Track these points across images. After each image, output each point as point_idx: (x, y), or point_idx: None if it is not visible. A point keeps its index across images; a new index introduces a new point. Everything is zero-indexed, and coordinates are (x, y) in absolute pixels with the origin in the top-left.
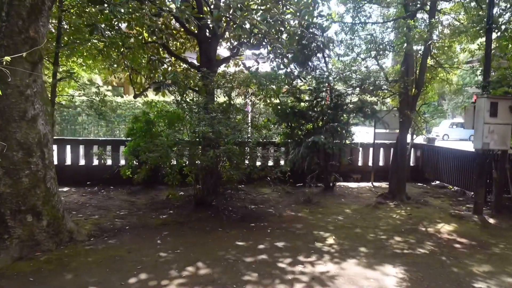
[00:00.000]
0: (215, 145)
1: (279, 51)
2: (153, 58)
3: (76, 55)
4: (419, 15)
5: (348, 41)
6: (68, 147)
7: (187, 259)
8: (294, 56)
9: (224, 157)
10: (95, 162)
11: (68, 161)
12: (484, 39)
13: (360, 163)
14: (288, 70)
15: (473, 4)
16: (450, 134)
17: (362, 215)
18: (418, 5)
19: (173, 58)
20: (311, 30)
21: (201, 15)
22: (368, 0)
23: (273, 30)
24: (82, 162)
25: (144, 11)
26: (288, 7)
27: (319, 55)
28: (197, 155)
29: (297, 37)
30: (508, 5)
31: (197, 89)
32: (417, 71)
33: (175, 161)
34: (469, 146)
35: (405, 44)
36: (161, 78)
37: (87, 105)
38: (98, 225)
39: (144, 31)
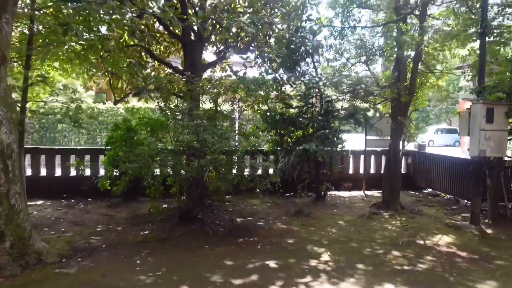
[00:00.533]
0: (200, 155)
1: (266, 54)
2: (133, 62)
3: (52, 58)
4: (408, 21)
5: (337, 46)
6: (43, 157)
7: (169, 282)
8: (282, 61)
9: (210, 167)
10: (73, 172)
11: (43, 172)
12: (475, 44)
13: (351, 171)
14: (277, 75)
15: (462, 9)
16: (435, 140)
17: (357, 227)
18: (409, 9)
19: (156, 62)
20: (300, 34)
21: (185, 16)
22: (357, 5)
23: (260, 34)
24: (58, 172)
25: (123, 10)
26: (276, 10)
27: (308, 60)
28: (181, 165)
29: (285, 41)
30: (501, 9)
31: (181, 94)
32: (409, 76)
33: (158, 171)
34: (454, 152)
35: (397, 49)
36: (142, 83)
37: (64, 112)
38: (71, 243)
39: (125, 34)
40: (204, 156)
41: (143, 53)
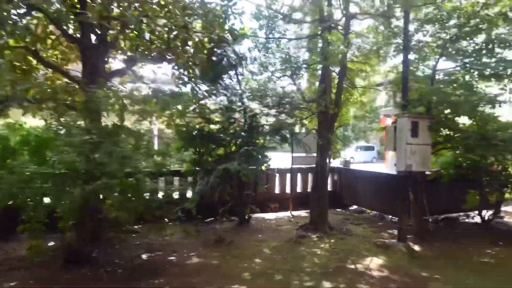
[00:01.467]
0: (87, 179)
1: (181, 60)
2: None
3: None
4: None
5: (262, 59)
6: None
7: None
8: (203, 73)
9: (111, 193)
10: None
11: None
12: (395, 60)
13: (277, 191)
14: (195, 86)
15: (381, 27)
16: (355, 157)
17: (283, 255)
18: (334, 21)
19: (50, 69)
20: (222, 45)
21: (78, 11)
22: (282, 17)
23: (178, 40)
24: None
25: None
26: (196, 17)
27: (231, 72)
28: (64, 192)
29: (205, 51)
30: (421, 25)
31: (75, 107)
32: (334, 91)
33: (48, 199)
34: (375, 168)
35: (323, 61)
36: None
37: None
38: None
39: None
40: (96, 180)
41: (31, 58)
